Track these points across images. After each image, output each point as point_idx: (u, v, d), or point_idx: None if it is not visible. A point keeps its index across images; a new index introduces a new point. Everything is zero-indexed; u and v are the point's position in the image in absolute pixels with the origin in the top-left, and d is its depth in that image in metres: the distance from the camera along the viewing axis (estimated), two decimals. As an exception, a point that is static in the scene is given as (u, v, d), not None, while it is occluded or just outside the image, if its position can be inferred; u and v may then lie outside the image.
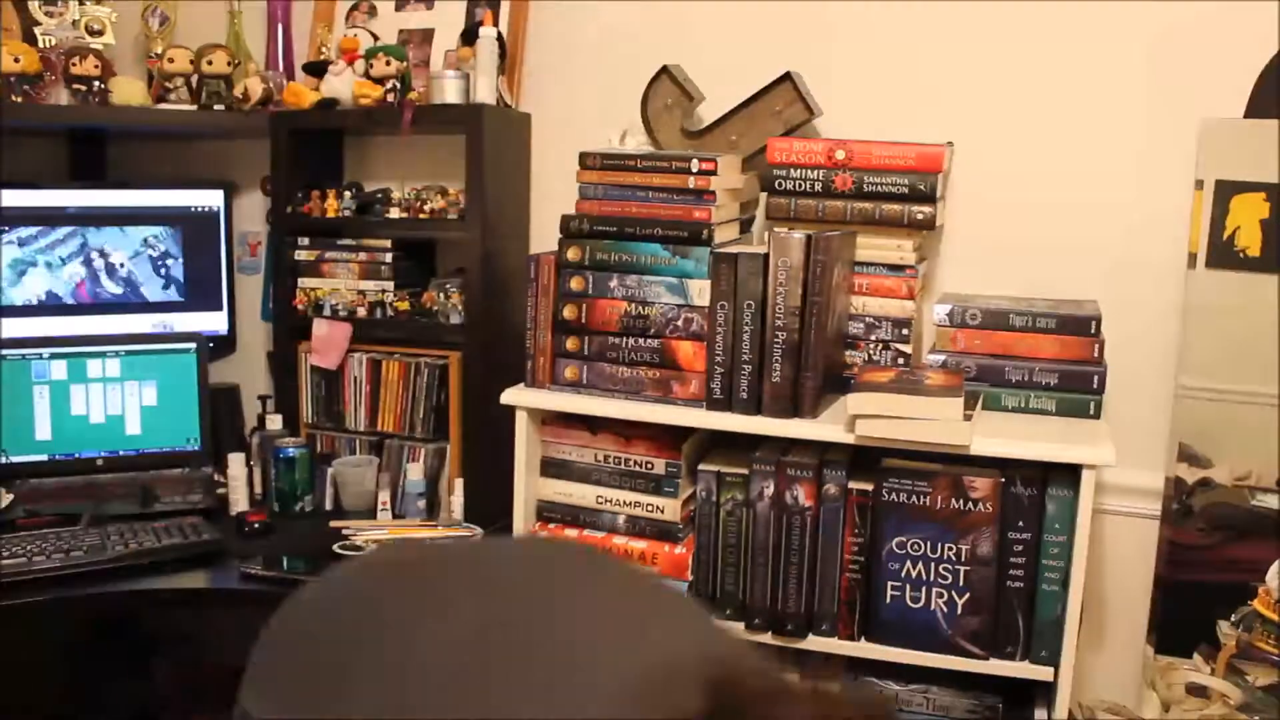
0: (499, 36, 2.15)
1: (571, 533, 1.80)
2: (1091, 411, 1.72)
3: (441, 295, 2.20)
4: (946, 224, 2.00)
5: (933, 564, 1.64)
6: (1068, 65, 1.91)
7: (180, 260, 2.44)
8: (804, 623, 1.71)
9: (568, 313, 1.77)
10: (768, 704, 0.55)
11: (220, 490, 2.19)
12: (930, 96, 1.99)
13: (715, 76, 2.08)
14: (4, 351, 2.17)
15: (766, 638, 1.73)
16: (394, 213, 2.21)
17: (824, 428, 1.65)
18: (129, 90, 2.25)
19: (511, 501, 1.83)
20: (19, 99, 2.15)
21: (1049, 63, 1.92)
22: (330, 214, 2.24)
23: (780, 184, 1.85)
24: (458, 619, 0.65)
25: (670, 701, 0.57)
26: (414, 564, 0.77)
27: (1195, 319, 1.80)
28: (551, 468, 1.83)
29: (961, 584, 1.63)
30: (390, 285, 2.23)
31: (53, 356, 2.21)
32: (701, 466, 1.74)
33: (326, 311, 2.26)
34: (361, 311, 2.24)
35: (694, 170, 1.70)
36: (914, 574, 1.65)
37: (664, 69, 2.03)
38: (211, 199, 2.46)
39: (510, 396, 1.81)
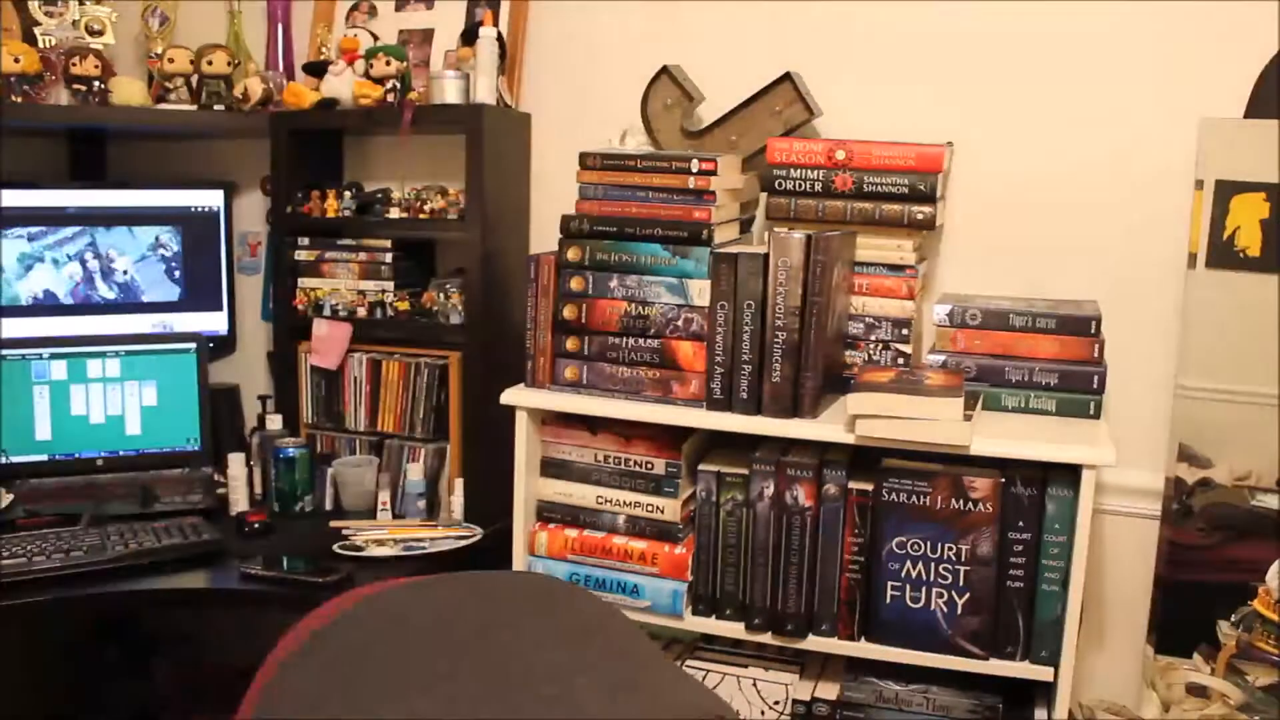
0: (499, 36, 2.16)
1: (572, 533, 1.80)
2: (1091, 411, 1.72)
3: (441, 295, 2.20)
4: (946, 224, 2.00)
5: (933, 564, 1.64)
6: (1068, 65, 1.91)
7: (181, 260, 2.45)
8: (804, 623, 1.71)
9: (568, 313, 1.77)
10: None
11: (220, 490, 2.19)
12: (930, 96, 1.99)
13: (715, 76, 2.08)
14: (4, 351, 2.17)
15: (766, 638, 1.73)
16: (394, 213, 2.21)
17: (824, 428, 1.65)
18: (129, 90, 2.25)
19: (511, 501, 1.83)
20: (19, 99, 2.15)
21: (1049, 63, 1.92)
22: (330, 214, 2.25)
23: (780, 184, 1.85)
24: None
25: None
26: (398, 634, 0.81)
27: (1195, 319, 1.80)
28: (551, 468, 1.83)
29: (961, 584, 1.63)
30: (390, 285, 2.23)
31: (53, 356, 2.21)
32: (701, 466, 1.75)
33: (326, 311, 2.26)
34: (361, 311, 2.24)
35: (694, 170, 1.70)
36: (914, 574, 1.65)
37: (664, 69, 2.03)
38: (211, 199, 2.46)
39: (510, 396, 1.81)
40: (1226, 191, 1.77)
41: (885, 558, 1.66)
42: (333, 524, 2.09)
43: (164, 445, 2.28)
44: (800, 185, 1.84)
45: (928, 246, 1.97)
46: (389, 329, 2.23)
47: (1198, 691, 1.81)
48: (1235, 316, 1.77)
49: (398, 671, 0.83)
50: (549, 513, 1.84)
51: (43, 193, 2.34)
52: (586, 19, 2.21)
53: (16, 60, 2.14)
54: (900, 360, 1.84)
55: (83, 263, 2.36)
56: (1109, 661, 1.98)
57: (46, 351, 2.20)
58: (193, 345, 2.30)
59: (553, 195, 2.26)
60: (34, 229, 2.32)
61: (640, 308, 1.74)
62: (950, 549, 1.63)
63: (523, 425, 1.81)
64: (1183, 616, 1.83)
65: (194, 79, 2.30)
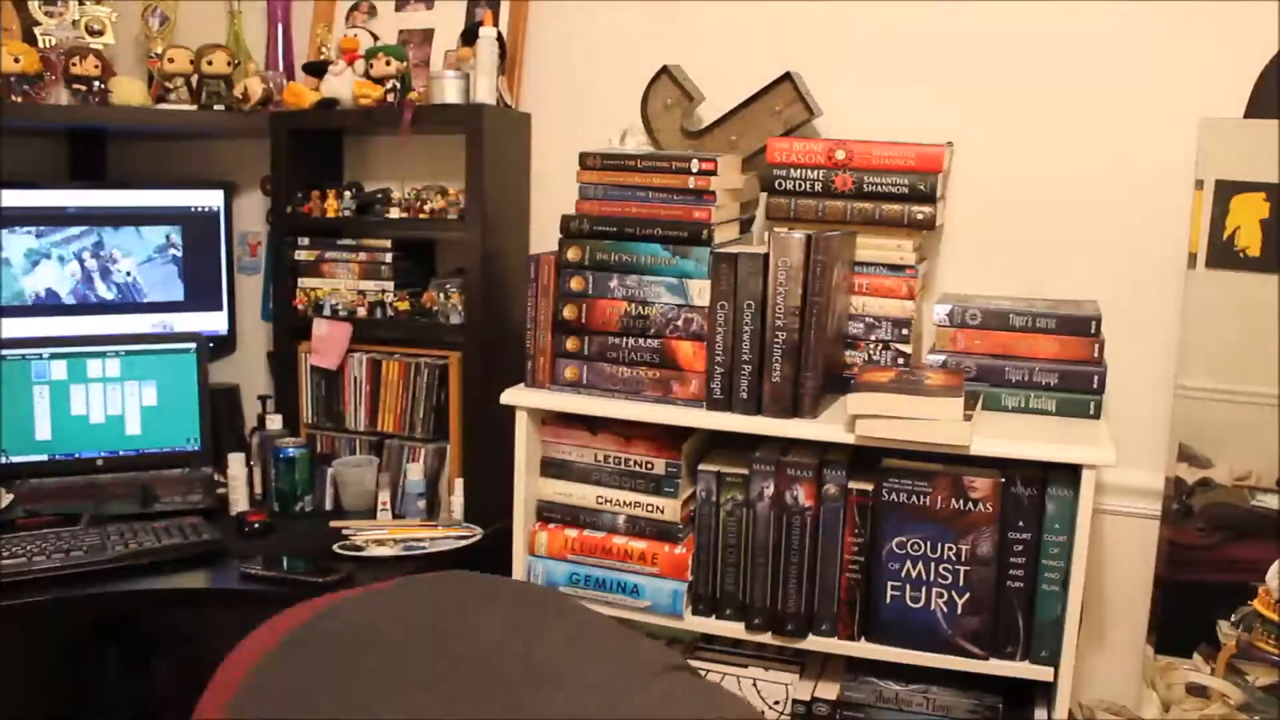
0: (499, 36, 2.16)
1: (572, 533, 1.80)
2: (1091, 411, 1.72)
3: (441, 295, 2.20)
4: (946, 224, 2.00)
5: (933, 564, 1.64)
6: (1068, 65, 1.91)
7: (181, 260, 2.45)
8: (804, 623, 1.71)
9: (568, 313, 1.77)
10: None
11: (220, 490, 2.19)
12: (930, 96, 1.99)
13: (715, 76, 2.08)
14: (4, 351, 2.17)
15: (766, 638, 1.73)
16: (394, 213, 2.21)
17: (824, 428, 1.65)
18: (129, 90, 2.25)
19: (511, 501, 1.83)
20: (19, 99, 2.15)
21: (1049, 63, 1.92)
22: (330, 214, 2.25)
23: (780, 184, 1.85)
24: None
25: None
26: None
27: (1195, 319, 1.80)
28: (551, 468, 1.83)
29: (961, 584, 1.63)
30: (390, 285, 2.23)
31: (53, 356, 2.21)
32: (701, 466, 1.75)
33: (326, 311, 2.26)
34: (361, 311, 2.24)
35: (694, 170, 1.70)
36: (914, 574, 1.65)
37: (664, 69, 2.03)
38: (211, 199, 2.46)
39: (510, 396, 1.81)
40: (1226, 191, 1.77)
41: (885, 558, 1.66)
42: (333, 524, 2.09)
43: (164, 445, 2.28)
44: (800, 185, 1.84)
45: (928, 246, 1.97)
46: (389, 329, 2.23)
47: (1198, 691, 1.81)
48: (1235, 316, 1.77)
49: (376, 672, 0.83)
50: (549, 513, 1.84)
51: (43, 193, 2.34)
52: (586, 19, 2.21)
53: (16, 60, 2.14)
54: (900, 360, 1.84)
55: (81, 263, 2.36)
56: (1109, 661, 1.98)
57: (46, 351, 2.20)
58: (193, 345, 2.30)
59: (553, 195, 2.26)
60: (42, 225, 2.32)
61: (640, 308, 1.74)
62: (950, 549, 1.63)
63: (523, 425, 1.81)
64: (1183, 616, 1.83)
65: (194, 79, 2.30)
